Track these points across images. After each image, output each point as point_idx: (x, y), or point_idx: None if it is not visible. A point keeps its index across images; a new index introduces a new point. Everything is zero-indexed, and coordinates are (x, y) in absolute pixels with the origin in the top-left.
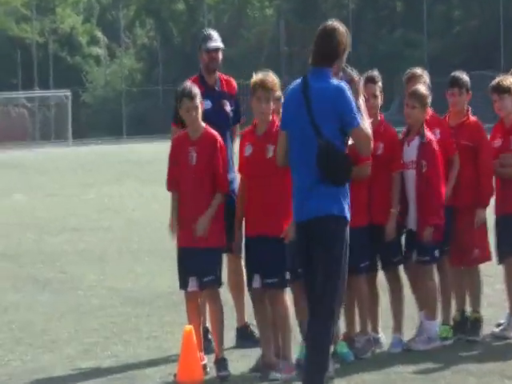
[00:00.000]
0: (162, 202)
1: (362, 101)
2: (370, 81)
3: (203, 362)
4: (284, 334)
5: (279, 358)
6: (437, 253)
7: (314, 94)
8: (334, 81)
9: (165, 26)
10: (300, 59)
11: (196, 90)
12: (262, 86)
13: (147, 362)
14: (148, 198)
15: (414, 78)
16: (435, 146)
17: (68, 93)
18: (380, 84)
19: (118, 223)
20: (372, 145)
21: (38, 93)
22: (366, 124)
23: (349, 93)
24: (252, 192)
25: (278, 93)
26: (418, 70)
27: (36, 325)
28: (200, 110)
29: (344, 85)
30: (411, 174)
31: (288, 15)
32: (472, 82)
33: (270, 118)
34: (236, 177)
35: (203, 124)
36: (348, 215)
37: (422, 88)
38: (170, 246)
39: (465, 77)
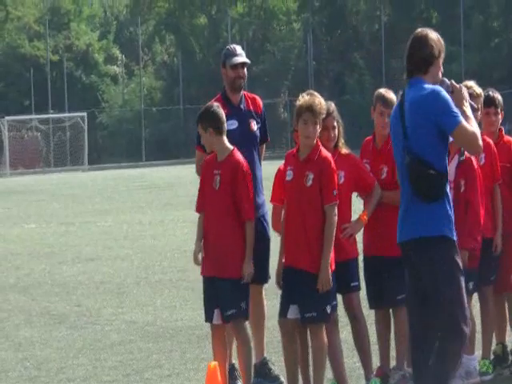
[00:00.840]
0: (183, 229)
1: (466, 108)
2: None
3: None
4: (319, 371)
5: None
6: (470, 285)
7: (407, 106)
8: (429, 86)
9: (186, 42)
10: (328, 75)
11: (222, 112)
12: (310, 109)
13: None
14: (169, 225)
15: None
16: (475, 164)
17: (84, 114)
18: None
19: (136, 252)
20: (481, 143)
21: (52, 115)
22: (473, 123)
23: (445, 93)
24: (292, 220)
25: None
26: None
27: (52, 362)
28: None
29: (439, 87)
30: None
31: (316, 29)
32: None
33: (315, 142)
34: (265, 200)
35: (231, 146)
36: (449, 233)
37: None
38: (191, 277)
39: (498, 96)
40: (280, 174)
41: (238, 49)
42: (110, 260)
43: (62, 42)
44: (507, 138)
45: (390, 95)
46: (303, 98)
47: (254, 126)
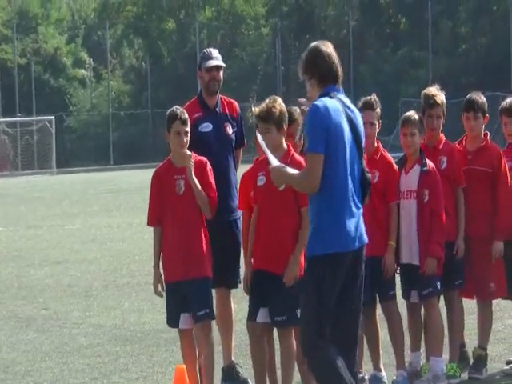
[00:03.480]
0: (151, 232)
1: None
2: (368, 107)
3: None
4: (288, 374)
5: None
6: (439, 285)
7: (355, 117)
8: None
9: (154, 46)
10: (297, 80)
11: (187, 115)
12: (262, 118)
13: None
14: (137, 228)
15: None
16: (437, 175)
17: (52, 117)
18: (378, 110)
19: (104, 255)
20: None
21: (19, 119)
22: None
23: None
24: (264, 224)
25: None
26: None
27: (19, 365)
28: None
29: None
30: (410, 204)
31: (285, 34)
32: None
33: (284, 147)
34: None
35: (189, 152)
36: None
37: (416, 113)
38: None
39: (481, 99)
40: (244, 181)
41: (215, 52)
42: (77, 263)
43: (29, 45)
44: (491, 143)
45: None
46: (256, 107)
47: (230, 129)
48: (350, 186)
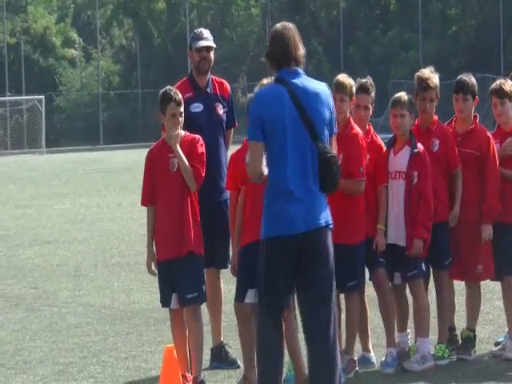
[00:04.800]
0: (141, 213)
1: None
2: (364, 91)
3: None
4: (296, 353)
5: None
6: (424, 267)
7: (303, 95)
8: (317, 81)
9: (144, 26)
10: None
11: (180, 96)
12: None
13: (126, 383)
14: (126, 208)
15: None
16: (427, 157)
17: (41, 97)
18: (373, 94)
19: (93, 235)
20: None
21: (9, 98)
22: None
23: None
24: (254, 202)
25: None
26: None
27: (8, 344)
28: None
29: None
30: (399, 185)
31: (274, 15)
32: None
33: None
34: None
35: (183, 132)
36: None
37: (406, 94)
38: None
39: (471, 81)
40: (233, 162)
41: (205, 33)
42: (67, 243)
43: (19, 24)
44: (480, 126)
45: (349, 80)
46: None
47: (220, 109)
48: (294, 170)
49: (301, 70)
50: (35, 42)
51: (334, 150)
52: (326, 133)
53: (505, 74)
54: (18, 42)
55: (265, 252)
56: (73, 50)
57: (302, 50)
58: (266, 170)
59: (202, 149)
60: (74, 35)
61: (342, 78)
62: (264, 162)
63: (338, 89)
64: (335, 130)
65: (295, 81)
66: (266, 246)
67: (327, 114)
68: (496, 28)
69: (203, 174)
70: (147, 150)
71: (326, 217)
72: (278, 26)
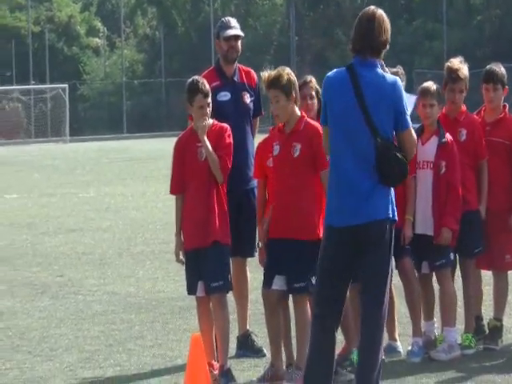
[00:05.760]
0: (165, 201)
1: None
2: None
3: (215, 372)
4: (303, 343)
5: (287, 367)
6: (452, 256)
7: (366, 87)
8: (388, 74)
9: (168, 15)
10: (311, 50)
11: (208, 86)
12: (272, 85)
13: (152, 371)
14: (151, 197)
15: None
16: (455, 147)
17: (65, 85)
18: (404, 84)
19: (118, 224)
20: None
21: (33, 86)
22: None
23: (403, 89)
24: (281, 193)
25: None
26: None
27: (34, 331)
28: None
29: (400, 81)
30: (426, 175)
31: (298, 4)
32: None
33: (291, 116)
34: None
35: (211, 120)
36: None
37: (434, 84)
38: (173, 248)
39: (501, 70)
40: (260, 151)
41: (233, 21)
42: (91, 231)
43: (43, 13)
44: (510, 115)
45: None
46: (265, 75)
47: (247, 98)
48: (349, 161)
49: (376, 61)
50: (59, 30)
51: (410, 145)
52: (389, 126)
53: None
54: (43, 30)
55: (323, 239)
56: (97, 39)
57: (382, 38)
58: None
59: (229, 139)
60: (98, 24)
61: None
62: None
63: None
64: (407, 126)
65: (363, 70)
66: (324, 233)
67: (390, 108)
68: None
69: (230, 165)
70: (171, 139)
71: (386, 209)
72: (365, 10)
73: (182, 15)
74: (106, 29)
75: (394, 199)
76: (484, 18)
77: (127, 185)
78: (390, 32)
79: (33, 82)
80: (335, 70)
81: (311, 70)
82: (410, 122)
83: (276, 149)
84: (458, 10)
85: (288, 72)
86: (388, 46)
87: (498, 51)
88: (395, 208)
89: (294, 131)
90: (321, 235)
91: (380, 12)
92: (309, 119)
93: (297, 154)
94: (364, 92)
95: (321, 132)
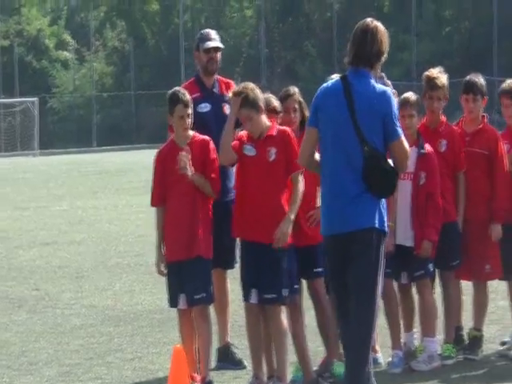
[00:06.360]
0: (138, 214)
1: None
2: None
3: None
4: (281, 354)
5: (268, 379)
6: (431, 267)
7: (357, 97)
8: (380, 85)
9: (137, 28)
10: (280, 62)
11: (188, 97)
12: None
13: None
14: (123, 210)
15: None
16: (435, 157)
17: (35, 99)
18: None
19: (92, 237)
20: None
21: (2, 100)
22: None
23: (395, 101)
24: (250, 196)
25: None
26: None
27: (13, 346)
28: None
29: (390, 91)
30: (406, 186)
31: (268, 16)
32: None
33: (264, 128)
34: None
35: (191, 132)
36: (387, 228)
37: (413, 94)
38: (149, 261)
39: (480, 81)
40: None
41: (212, 33)
42: (66, 244)
43: (12, 27)
44: (489, 126)
45: None
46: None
47: (227, 109)
48: (337, 167)
49: (367, 72)
50: (29, 44)
51: (401, 155)
52: (378, 137)
53: (498, 75)
54: (12, 44)
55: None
56: (66, 53)
57: (375, 49)
58: (317, 157)
59: (214, 154)
60: (68, 37)
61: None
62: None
63: None
64: (398, 136)
65: (355, 81)
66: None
67: (380, 118)
68: (490, 30)
69: (220, 184)
70: (141, 151)
71: (372, 219)
72: (361, 22)
73: (152, 28)
74: (75, 42)
75: (384, 210)
76: (453, 30)
77: (99, 198)
78: (386, 44)
79: (2, 96)
80: (331, 81)
81: (281, 82)
82: (401, 131)
83: (249, 149)
84: (428, 21)
85: (251, 87)
86: (383, 58)
87: (467, 63)
88: (385, 220)
89: (268, 137)
90: (289, 242)
91: (375, 24)
92: (278, 125)
93: (272, 158)
94: (355, 101)
95: (291, 135)
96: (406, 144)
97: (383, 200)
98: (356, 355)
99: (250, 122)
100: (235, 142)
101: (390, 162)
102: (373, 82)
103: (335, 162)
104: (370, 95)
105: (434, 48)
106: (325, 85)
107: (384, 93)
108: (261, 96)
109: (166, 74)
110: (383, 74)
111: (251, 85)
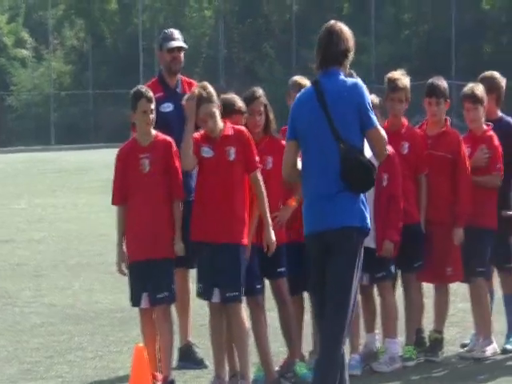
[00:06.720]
0: (98, 213)
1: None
2: None
3: (158, 383)
4: (243, 352)
5: (230, 378)
6: (393, 268)
7: (329, 95)
8: (350, 79)
9: (96, 27)
10: (239, 63)
11: (152, 93)
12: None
13: (94, 383)
14: (83, 209)
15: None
16: (397, 159)
17: None
18: None
19: (52, 235)
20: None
21: None
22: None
23: (366, 91)
24: (209, 196)
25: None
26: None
27: None
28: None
29: (361, 82)
30: None
31: (228, 17)
32: (423, 92)
33: (220, 129)
34: None
35: (154, 131)
36: (369, 225)
37: (376, 97)
38: (109, 261)
39: (443, 84)
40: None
41: (176, 33)
42: (25, 242)
43: None
44: (451, 129)
45: (304, 81)
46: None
47: None
48: (316, 168)
49: (337, 70)
50: None
51: (378, 142)
52: (354, 130)
53: (456, 78)
54: None
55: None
56: (24, 51)
57: (341, 48)
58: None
59: (177, 156)
60: (26, 35)
61: (300, 79)
62: (299, 162)
63: (299, 90)
64: (373, 124)
65: (325, 81)
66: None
67: (354, 110)
68: (448, 33)
69: (182, 186)
70: (99, 150)
71: (352, 217)
72: (324, 25)
73: (110, 27)
74: (33, 40)
75: (365, 207)
76: (412, 33)
77: (58, 196)
78: (352, 42)
79: None
80: (304, 88)
81: (240, 83)
82: (376, 120)
83: (207, 151)
84: (387, 24)
85: (202, 85)
86: (351, 56)
87: (426, 66)
88: (366, 217)
89: (225, 136)
90: (247, 242)
91: (339, 25)
92: (232, 125)
93: (232, 157)
94: (327, 100)
95: (248, 134)
96: (382, 131)
97: (363, 198)
98: (326, 352)
99: (212, 119)
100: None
101: (367, 154)
102: (342, 77)
103: (314, 163)
104: (340, 89)
105: (392, 51)
106: (298, 95)
107: (355, 84)
108: (214, 92)
109: (124, 74)
110: (352, 72)
111: (202, 83)
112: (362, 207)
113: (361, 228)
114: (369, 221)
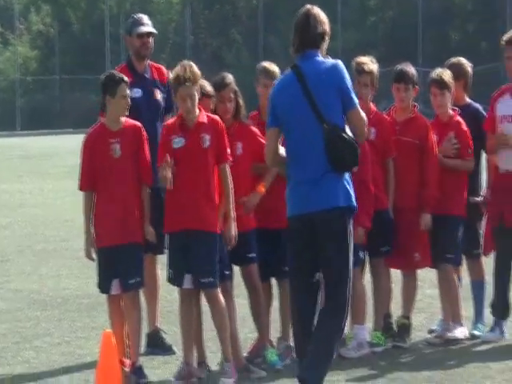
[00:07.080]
0: (64, 198)
1: None
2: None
3: (126, 369)
4: (224, 334)
5: (199, 365)
6: (361, 254)
7: (310, 78)
8: (328, 60)
9: (62, 12)
10: (206, 49)
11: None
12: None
13: (61, 368)
14: (49, 194)
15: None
16: (366, 145)
17: None
18: None
19: (18, 221)
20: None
21: None
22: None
23: (346, 72)
24: (184, 184)
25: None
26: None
27: None
28: None
29: (341, 63)
30: None
31: (194, 3)
32: (390, 78)
33: (196, 113)
34: None
35: (123, 118)
36: (355, 203)
37: None
38: (75, 246)
39: (412, 70)
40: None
41: (145, 18)
42: None
43: None
44: (419, 115)
45: (273, 67)
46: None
47: (159, 95)
48: (300, 150)
49: (314, 52)
50: None
51: (358, 122)
52: (336, 111)
53: (423, 65)
54: None
55: (287, 231)
56: None
57: (318, 30)
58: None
59: (146, 143)
60: None
61: (269, 65)
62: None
63: (267, 75)
64: (354, 104)
65: (304, 64)
66: (287, 225)
67: (334, 90)
68: (414, 19)
69: (151, 172)
70: (65, 136)
71: (337, 198)
72: (299, 10)
73: (77, 12)
74: None
75: (350, 186)
76: (378, 19)
77: (24, 182)
78: (328, 25)
79: None
80: (283, 74)
81: (208, 70)
82: (356, 101)
83: (178, 141)
84: (353, 10)
85: (194, 66)
86: (327, 38)
87: (392, 52)
88: (352, 195)
89: (200, 123)
90: (218, 229)
91: (315, 8)
92: (206, 113)
93: (206, 144)
94: (308, 82)
95: (223, 125)
96: (362, 113)
97: (347, 177)
98: (324, 348)
99: (191, 101)
100: (162, 142)
101: (349, 133)
102: (321, 58)
103: (298, 147)
104: (320, 71)
105: (358, 37)
106: (277, 81)
107: (335, 65)
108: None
109: (90, 59)
110: (329, 57)
111: (188, 62)
112: (348, 186)
113: (348, 207)
114: (354, 199)
